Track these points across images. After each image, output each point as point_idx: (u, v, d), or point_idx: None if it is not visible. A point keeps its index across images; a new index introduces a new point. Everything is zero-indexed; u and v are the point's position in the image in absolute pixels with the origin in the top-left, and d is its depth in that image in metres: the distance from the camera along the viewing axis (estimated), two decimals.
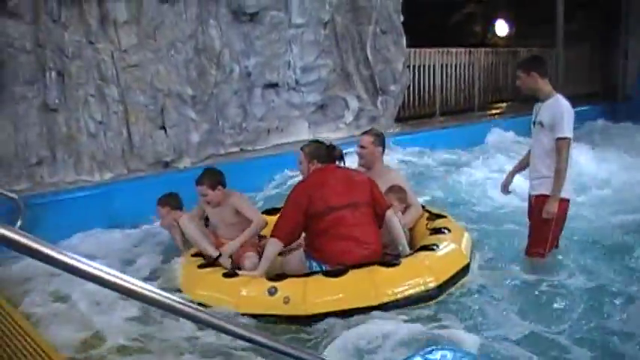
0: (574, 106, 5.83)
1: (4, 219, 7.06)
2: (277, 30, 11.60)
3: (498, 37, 19.97)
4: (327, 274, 5.12)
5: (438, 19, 17.86)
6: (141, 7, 9.81)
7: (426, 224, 6.28)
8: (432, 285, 5.18)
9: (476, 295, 5.43)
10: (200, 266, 5.77)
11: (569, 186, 5.87)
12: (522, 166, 6.42)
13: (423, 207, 6.71)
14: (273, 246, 5.42)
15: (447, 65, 15.94)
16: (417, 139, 12.99)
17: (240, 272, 5.58)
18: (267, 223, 6.27)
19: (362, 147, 6.55)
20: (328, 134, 12.50)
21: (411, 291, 5.08)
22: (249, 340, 2.83)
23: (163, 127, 10.13)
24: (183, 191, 8.32)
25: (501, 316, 5.08)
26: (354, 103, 12.90)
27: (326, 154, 5.86)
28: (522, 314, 5.10)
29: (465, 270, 5.64)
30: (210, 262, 5.88)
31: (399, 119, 14.21)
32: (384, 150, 6.61)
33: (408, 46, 13.86)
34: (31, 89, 9.04)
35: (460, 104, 16.30)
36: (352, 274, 5.06)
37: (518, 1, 18.63)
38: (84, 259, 2.17)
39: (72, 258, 2.13)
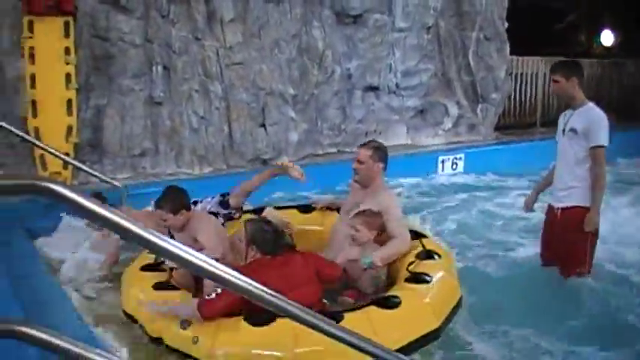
0: None
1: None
2: (380, 33, 11.24)
3: (604, 47, 18.97)
4: (248, 319, 3.98)
5: (541, 27, 17.03)
6: (247, 6, 9.65)
7: (409, 264, 4.88)
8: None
9: None
10: (144, 267, 4.97)
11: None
12: (549, 182, 5.69)
13: (422, 237, 5.42)
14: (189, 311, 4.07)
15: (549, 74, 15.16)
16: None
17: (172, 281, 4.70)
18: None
19: (359, 162, 5.31)
20: (427, 139, 12.11)
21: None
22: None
23: (264, 125, 9.94)
24: (279, 189, 8.13)
25: None
26: (453, 110, 12.40)
27: (272, 241, 4.41)
28: None
29: (427, 338, 4.29)
30: (157, 264, 5.01)
31: (497, 128, 13.62)
32: (385, 166, 5.38)
33: (510, 53, 13.28)
34: (138, 82, 9.03)
35: None
36: (278, 325, 3.92)
37: (626, 10, 17.61)
38: (185, 248, 2.12)
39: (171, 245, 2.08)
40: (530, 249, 6.35)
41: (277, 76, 10.03)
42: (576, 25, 18.13)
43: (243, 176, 8.95)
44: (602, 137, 5.05)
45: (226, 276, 2.26)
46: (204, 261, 2.19)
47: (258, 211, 6.11)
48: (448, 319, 4.55)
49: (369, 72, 11.28)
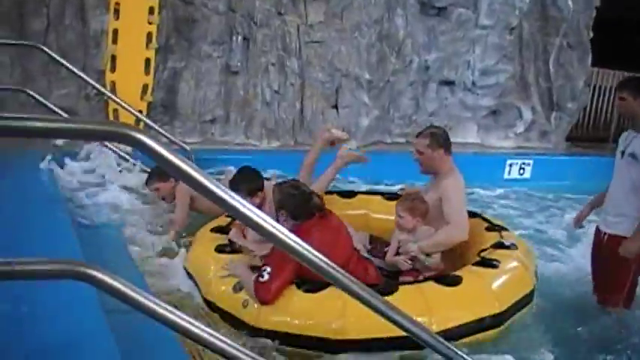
0: None
1: None
2: (463, 28, 10.88)
3: None
4: (300, 286, 3.85)
5: (627, 40, 16.38)
6: None
7: (481, 251, 4.63)
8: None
9: None
10: (214, 229, 4.90)
11: None
12: (603, 200, 5.19)
13: (502, 230, 5.06)
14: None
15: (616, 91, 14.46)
16: None
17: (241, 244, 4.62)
18: None
19: (418, 152, 4.97)
20: (496, 141, 11.73)
21: (387, 334, 3.58)
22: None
23: (336, 107, 9.77)
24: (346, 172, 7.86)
25: None
26: (527, 114, 11.95)
27: (301, 206, 4.17)
28: None
29: (485, 322, 3.99)
30: (228, 226, 4.92)
31: (569, 138, 13.13)
32: (447, 149, 4.95)
33: (592, 64, 12.75)
34: (217, 50, 8.92)
35: None
36: (329, 292, 3.74)
37: None
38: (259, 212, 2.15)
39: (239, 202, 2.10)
40: (576, 267, 5.94)
41: (355, 59, 9.81)
42: None
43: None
44: None
45: (292, 243, 2.28)
46: (276, 227, 2.21)
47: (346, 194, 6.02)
48: (514, 308, 4.22)
49: (447, 66, 10.94)
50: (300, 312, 3.79)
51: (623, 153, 4.77)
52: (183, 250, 4.93)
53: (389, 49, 10.26)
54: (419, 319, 3.53)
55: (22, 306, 2.89)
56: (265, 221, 2.15)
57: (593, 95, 13.77)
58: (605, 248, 4.89)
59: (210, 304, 4.13)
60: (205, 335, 2.31)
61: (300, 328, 3.74)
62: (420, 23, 10.54)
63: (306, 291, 3.80)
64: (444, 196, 4.80)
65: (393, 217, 5.25)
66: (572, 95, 12.26)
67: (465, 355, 2.97)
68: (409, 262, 4.57)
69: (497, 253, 4.52)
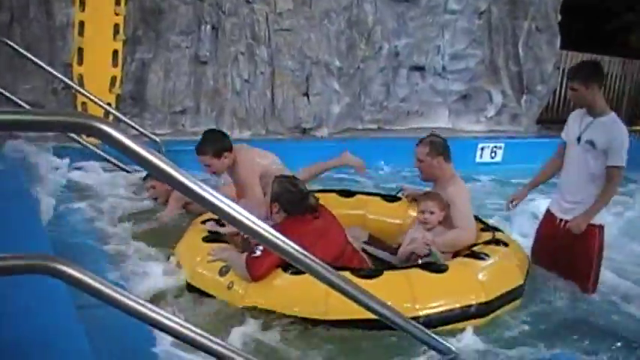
0: None
1: None
2: (432, 13, 10.89)
3: None
4: (286, 269, 3.96)
5: (593, 25, 16.47)
6: None
7: (472, 246, 4.75)
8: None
9: None
10: (204, 220, 4.91)
11: (604, 212, 4.78)
12: (543, 179, 5.22)
13: (496, 231, 5.09)
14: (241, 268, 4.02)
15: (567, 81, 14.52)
16: None
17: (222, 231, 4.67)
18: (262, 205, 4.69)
19: (419, 160, 5.06)
20: (467, 125, 11.78)
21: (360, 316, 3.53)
22: None
23: (307, 94, 9.74)
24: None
25: None
26: (498, 98, 12.01)
27: (297, 203, 4.30)
28: None
29: (471, 311, 4.09)
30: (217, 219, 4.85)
31: (539, 121, 13.21)
32: (446, 157, 5.04)
33: (560, 47, 12.83)
34: (185, 40, 8.84)
35: None
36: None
37: None
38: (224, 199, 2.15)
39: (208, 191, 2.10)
40: None
41: (324, 46, 9.79)
42: (630, 26, 17.43)
43: (282, 143, 8.83)
44: (623, 157, 4.56)
45: (265, 234, 2.30)
46: (246, 216, 2.22)
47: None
48: (501, 300, 4.26)
49: (417, 52, 10.96)
50: (284, 293, 3.91)
51: (579, 139, 4.71)
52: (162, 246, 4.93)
53: (358, 36, 10.25)
54: (403, 304, 3.73)
55: None
56: (233, 209, 2.16)
57: (562, 78, 13.83)
58: (564, 235, 4.84)
59: (195, 290, 4.22)
60: (177, 327, 2.31)
61: (284, 309, 3.85)
62: (389, 9, 10.53)
63: (292, 274, 3.90)
64: (450, 202, 4.89)
65: (389, 219, 5.57)
66: (542, 78, 12.35)
67: (437, 337, 3.01)
68: (427, 245, 4.64)
69: (487, 248, 4.60)
